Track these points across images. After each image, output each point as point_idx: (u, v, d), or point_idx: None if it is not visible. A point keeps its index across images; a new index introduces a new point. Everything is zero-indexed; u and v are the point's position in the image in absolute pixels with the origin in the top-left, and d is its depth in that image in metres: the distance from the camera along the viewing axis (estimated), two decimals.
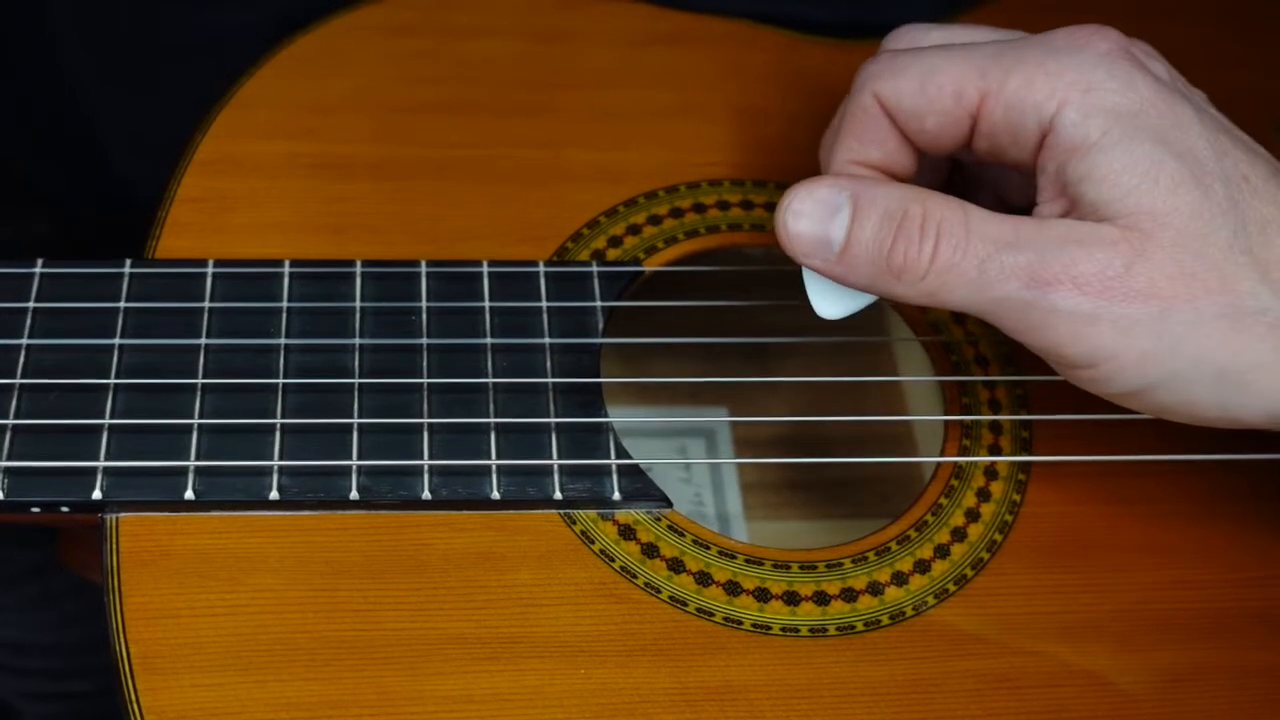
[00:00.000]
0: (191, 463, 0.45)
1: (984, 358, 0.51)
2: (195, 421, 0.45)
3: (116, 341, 0.47)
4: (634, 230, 0.52)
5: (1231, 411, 0.42)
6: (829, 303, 0.46)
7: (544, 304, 0.49)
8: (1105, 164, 0.41)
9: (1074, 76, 0.41)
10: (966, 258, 0.41)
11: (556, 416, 0.47)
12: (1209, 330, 0.40)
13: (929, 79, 0.43)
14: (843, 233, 0.42)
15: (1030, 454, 0.49)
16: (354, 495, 0.45)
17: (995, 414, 0.50)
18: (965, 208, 0.42)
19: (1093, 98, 0.41)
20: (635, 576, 0.45)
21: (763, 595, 0.45)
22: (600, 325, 0.49)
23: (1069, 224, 0.41)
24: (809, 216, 0.43)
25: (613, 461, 0.46)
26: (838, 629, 0.45)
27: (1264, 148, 0.45)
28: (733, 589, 0.45)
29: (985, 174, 0.50)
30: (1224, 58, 0.62)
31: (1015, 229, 0.41)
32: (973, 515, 0.48)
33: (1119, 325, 0.40)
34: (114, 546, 0.44)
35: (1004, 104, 0.42)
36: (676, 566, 0.45)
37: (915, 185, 0.44)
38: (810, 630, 0.45)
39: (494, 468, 0.46)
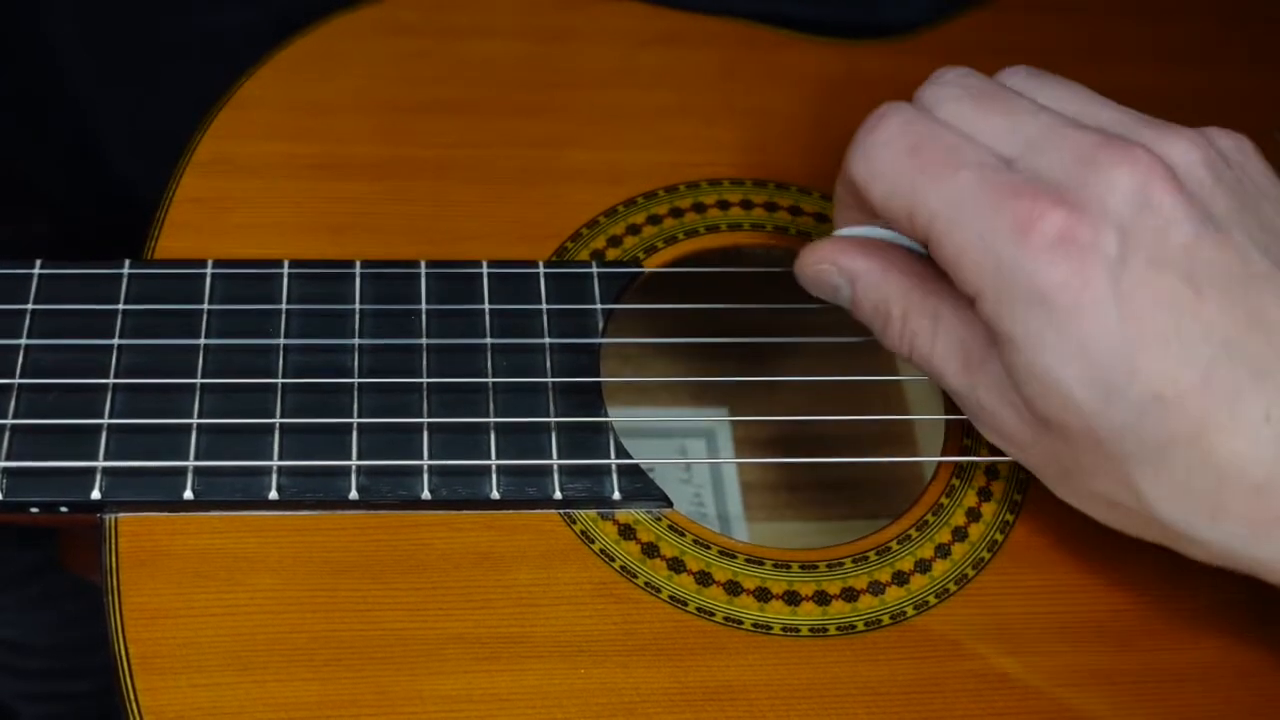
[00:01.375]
0: (191, 463, 0.45)
1: None
2: (194, 421, 0.45)
3: (115, 342, 0.47)
4: (634, 230, 0.52)
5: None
6: None
7: (544, 304, 0.49)
8: (1009, 362, 0.41)
9: (993, 266, 0.40)
10: (929, 368, 0.45)
11: (556, 416, 0.47)
12: (1099, 501, 0.43)
13: (879, 188, 0.43)
14: (846, 302, 0.46)
15: None
16: (353, 495, 0.45)
17: None
18: (936, 322, 0.44)
19: (1004, 301, 0.40)
20: (635, 576, 0.45)
21: (763, 595, 0.45)
22: (600, 325, 0.49)
23: (997, 380, 0.43)
24: (816, 285, 0.46)
25: (612, 461, 0.46)
26: (838, 629, 0.45)
27: (1261, 151, 0.44)
28: (733, 589, 0.45)
29: None
30: (1224, 58, 0.62)
31: (965, 360, 0.43)
32: (974, 515, 0.48)
33: (1029, 463, 0.44)
34: (113, 546, 0.44)
35: (940, 257, 0.42)
36: (677, 566, 0.45)
37: (908, 269, 0.45)
38: (811, 630, 0.45)
39: (494, 467, 0.46)
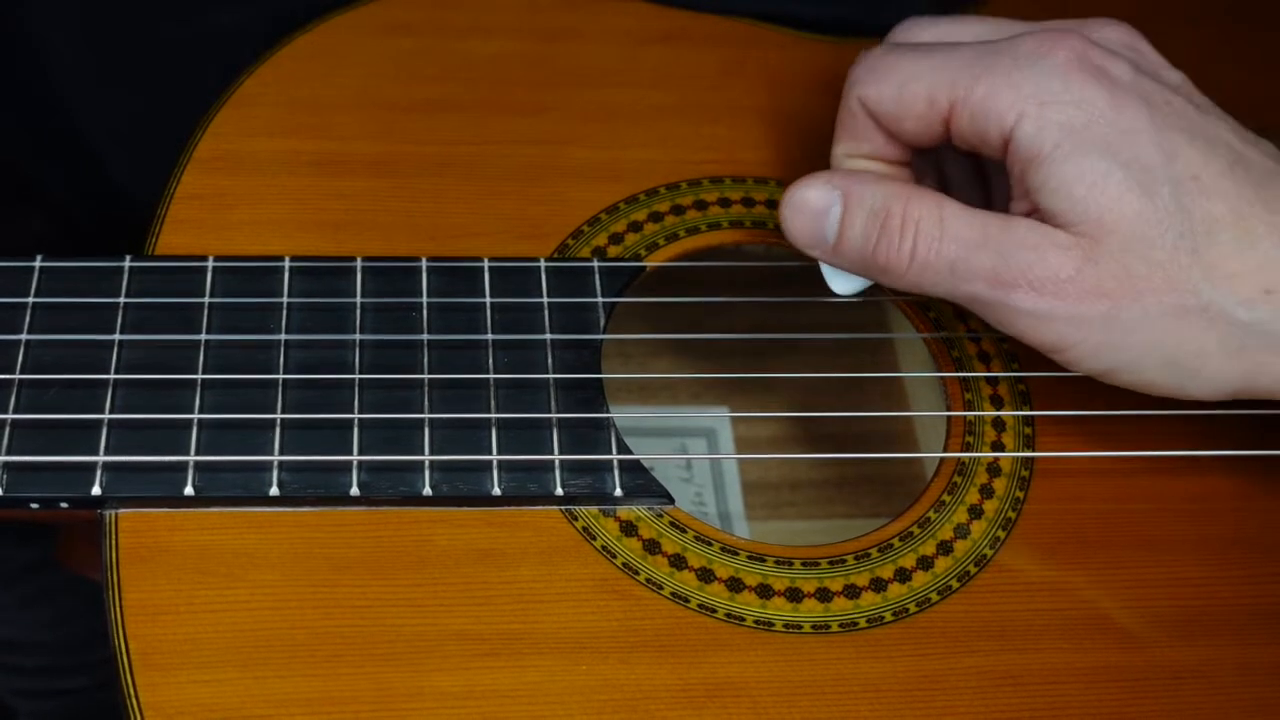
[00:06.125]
0: (191, 458, 0.44)
1: (986, 354, 0.51)
2: (195, 417, 0.45)
3: (116, 337, 0.46)
4: (635, 227, 0.52)
5: (1186, 391, 0.45)
6: (841, 281, 0.49)
7: (545, 300, 0.49)
8: (1056, 176, 0.43)
9: (1032, 89, 0.44)
10: (940, 259, 0.44)
11: (557, 412, 0.47)
12: (1154, 325, 0.43)
13: (905, 86, 0.46)
14: (835, 229, 0.46)
15: (1034, 450, 0.49)
16: (354, 491, 0.45)
17: (998, 410, 0.50)
18: (941, 207, 0.44)
19: (1048, 111, 0.43)
20: (637, 573, 0.45)
21: (765, 592, 0.45)
22: (601, 321, 0.49)
23: (1030, 226, 0.44)
24: (805, 214, 0.46)
25: (614, 457, 0.46)
26: (840, 626, 0.45)
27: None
28: (735, 585, 0.45)
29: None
30: (1224, 57, 0.62)
31: (984, 229, 0.44)
32: (976, 512, 0.47)
33: (1072, 321, 0.43)
34: (113, 543, 0.44)
35: (969, 113, 0.45)
36: (678, 563, 0.45)
37: (902, 180, 0.47)
38: (813, 627, 0.45)
39: (495, 463, 0.45)
